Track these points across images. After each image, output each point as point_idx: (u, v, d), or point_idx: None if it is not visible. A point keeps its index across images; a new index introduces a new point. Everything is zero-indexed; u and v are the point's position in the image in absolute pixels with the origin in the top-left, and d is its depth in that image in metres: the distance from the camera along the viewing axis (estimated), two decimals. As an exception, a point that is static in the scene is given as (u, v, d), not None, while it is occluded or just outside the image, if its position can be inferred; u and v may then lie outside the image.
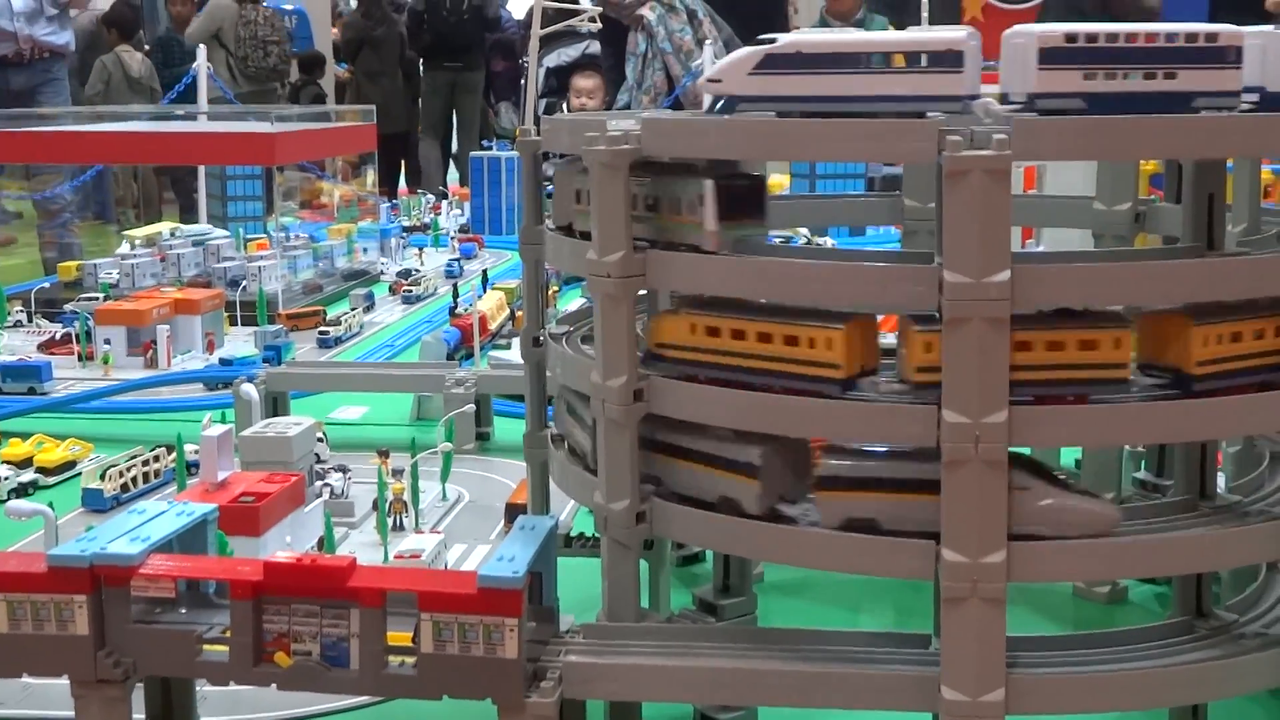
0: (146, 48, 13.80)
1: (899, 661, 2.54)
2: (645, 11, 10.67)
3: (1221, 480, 2.95)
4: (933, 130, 2.35)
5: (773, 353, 2.54)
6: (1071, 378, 2.43)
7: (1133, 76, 2.48)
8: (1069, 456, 4.43)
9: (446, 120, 14.73)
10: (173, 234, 8.53)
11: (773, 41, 2.57)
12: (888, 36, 2.61)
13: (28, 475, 4.63)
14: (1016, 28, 2.54)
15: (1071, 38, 2.47)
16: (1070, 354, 2.42)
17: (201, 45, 11.18)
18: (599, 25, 3.77)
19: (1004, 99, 2.54)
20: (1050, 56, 2.47)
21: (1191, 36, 2.49)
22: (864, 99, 2.53)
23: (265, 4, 13.51)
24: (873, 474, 2.52)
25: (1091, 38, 2.48)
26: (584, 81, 11.23)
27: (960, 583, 2.38)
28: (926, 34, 2.58)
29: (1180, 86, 2.49)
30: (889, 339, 2.74)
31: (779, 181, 9.36)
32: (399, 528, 4.06)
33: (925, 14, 6.14)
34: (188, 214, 10.72)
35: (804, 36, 2.61)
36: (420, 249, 9.50)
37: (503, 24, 15.36)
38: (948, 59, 2.49)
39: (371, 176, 9.75)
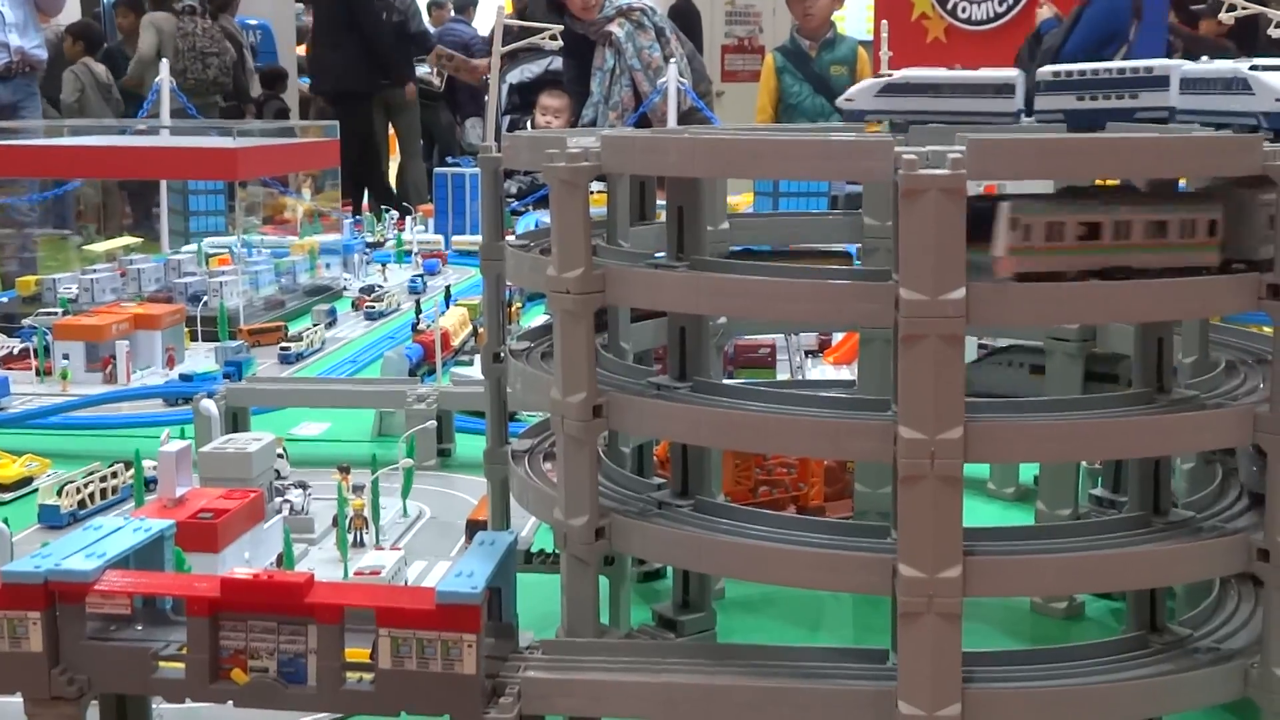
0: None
1: (856, 677, 2.55)
2: (614, 28, 10.69)
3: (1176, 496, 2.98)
4: (888, 149, 2.37)
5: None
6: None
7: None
8: (1027, 472, 4.47)
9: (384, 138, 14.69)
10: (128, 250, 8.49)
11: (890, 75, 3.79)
12: (965, 74, 3.79)
13: (-17, 491, 4.59)
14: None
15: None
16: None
17: (164, 60, 11.13)
18: (560, 43, 3.80)
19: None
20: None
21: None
22: (947, 114, 3.72)
23: (202, 15, 13.43)
24: None
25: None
26: (551, 101, 11.24)
27: (916, 598, 2.39)
28: (989, 72, 3.82)
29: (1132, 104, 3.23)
30: None
31: (743, 199, 9.41)
32: (359, 544, 4.04)
33: (885, 35, 6.22)
34: (145, 228, 10.66)
35: (911, 71, 3.81)
36: (383, 265, 9.48)
37: (467, 39, 15.36)
38: (1005, 89, 3.72)
39: (336, 192, 9.74)
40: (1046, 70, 3.74)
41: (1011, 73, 3.77)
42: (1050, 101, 3.69)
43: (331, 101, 13.93)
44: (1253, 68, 3.03)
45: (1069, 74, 3.65)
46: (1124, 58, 9.19)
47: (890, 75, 3.81)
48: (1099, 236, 2.44)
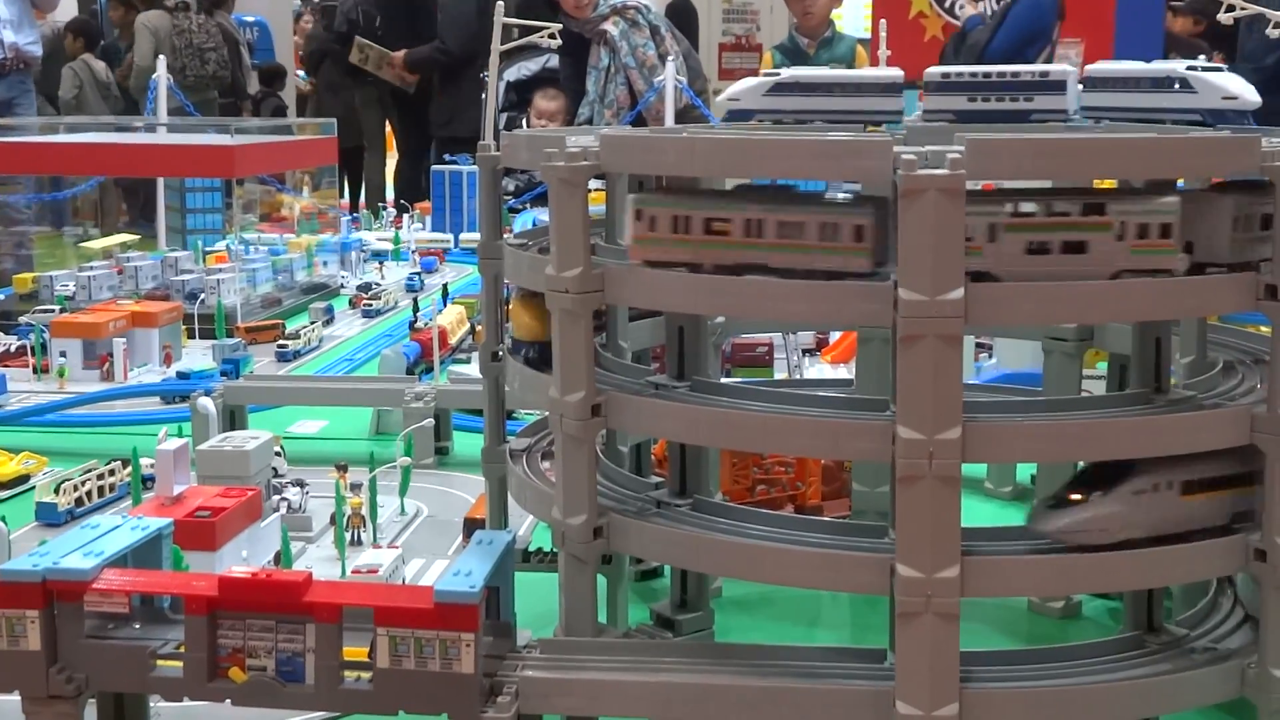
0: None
1: (854, 676, 2.56)
2: (608, 26, 10.67)
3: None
4: (887, 149, 2.37)
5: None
6: None
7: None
8: (1024, 471, 4.47)
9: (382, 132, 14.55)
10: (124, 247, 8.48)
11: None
12: (851, 73, 3.96)
13: (-19, 489, 4.59)
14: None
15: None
16: None
17: (161, 56, 11.12)
18: (559, 41, 3.79)
19: None
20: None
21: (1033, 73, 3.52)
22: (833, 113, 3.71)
23: (197, 10, 13.33)
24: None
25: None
26: (547, 104, 11.19)
27: (914, 597, 2.40)
28: (875, 71, 4.01)
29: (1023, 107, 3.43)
30: None
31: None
32: (357, 542, 4.04)
33: (883, 33, 6.23)
34: (141, 226, 10.65)
35: (798, 70, 3.80)
36: (380, 263, 9.47)
37: None
38: (891, 88, 3.71)
39: (333, 189, 9.73)
40: (935, 71, 3.72)
41: (896, 72, 3.79)
42: (939, 101, 3.67)
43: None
44: (1189, 68, 3.22)
45: (959, 75, 3.66)
46: (1047, 59, 9.20)
47: (778, 74, 3.77)
48: (727, 233, 2.56)
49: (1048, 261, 2.44)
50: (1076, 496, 2.55)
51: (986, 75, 3.63)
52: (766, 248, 2.53)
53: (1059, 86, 3.50)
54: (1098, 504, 2.53)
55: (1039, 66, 3.61)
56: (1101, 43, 10.49)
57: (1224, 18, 3.12)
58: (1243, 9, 3.07)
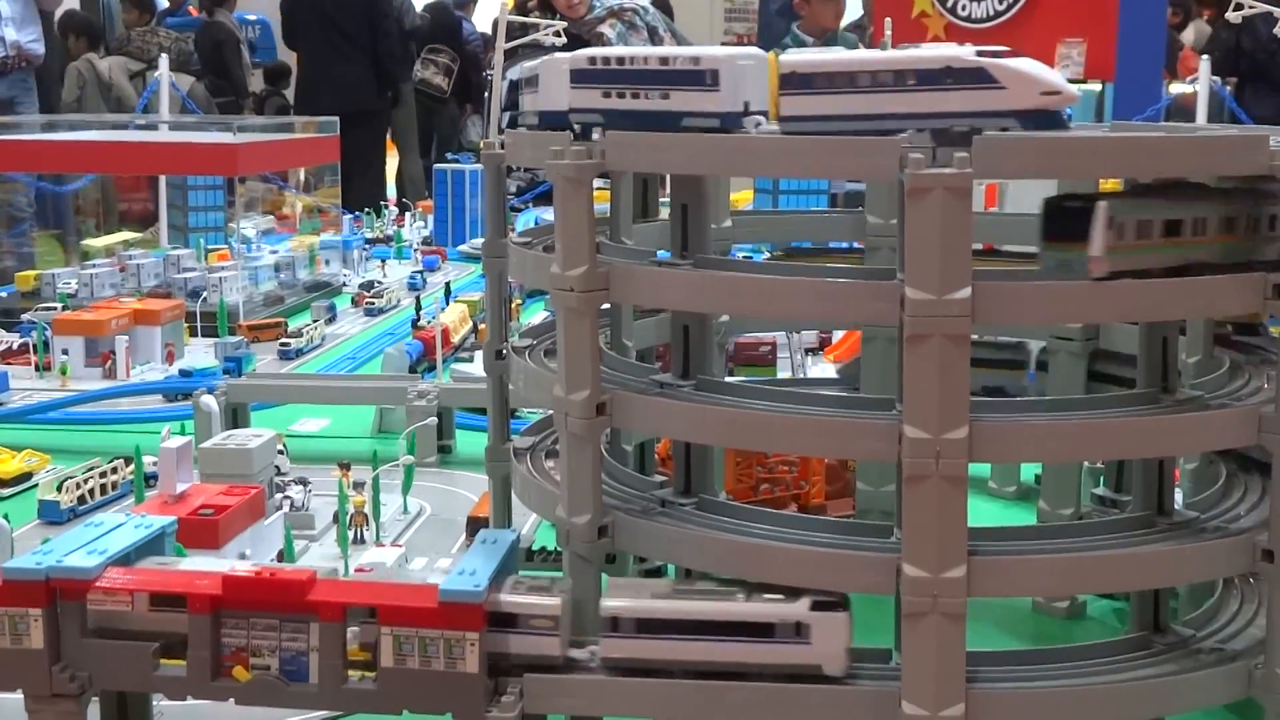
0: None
1: (859, 676, 2.55)
2: (605, 29, 10.67)
3: (1179, 496, 2.97)
4: (894, 148, 2.36)
5: None
6: None
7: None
8: (1028, 471, 4.47)
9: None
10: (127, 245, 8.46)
11: None
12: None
13: (-17, 487, 4.59)
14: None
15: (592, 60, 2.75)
16: None
17: (164, 54, 11.12)
18: (564, 39, 3.78)
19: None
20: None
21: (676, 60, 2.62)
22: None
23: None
24: None
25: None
26: None
27: (921, 598, 2.39)
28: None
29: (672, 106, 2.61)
30: None
31: (743, 196, 9.39)
32: (360, 541, 4.04)
33: (889, 33, 6.22)
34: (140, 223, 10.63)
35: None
36: (383, 261, 9.47)
37: (466, 35, 15.29)
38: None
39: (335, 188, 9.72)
40: (581, 54, 2.83)
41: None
42: (582, 98, 2.79)
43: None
44: (979, 54, 2.41)
45: (605, 61, 2.76)
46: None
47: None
48: (1179, 234, 2.45)
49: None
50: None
51: (632, 61, 2.73)
52: (1207, 245, 2.48)
53: (699, 79, 2.60)
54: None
55: (694, 50, 2.66)
56: (1104, 41, 10.48)
57: (1232, 16, 3.09)
58: (1250, 8, 3.06)
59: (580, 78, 2.77)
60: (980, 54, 2.38)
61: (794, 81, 2.54)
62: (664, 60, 2.63)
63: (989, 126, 2.37)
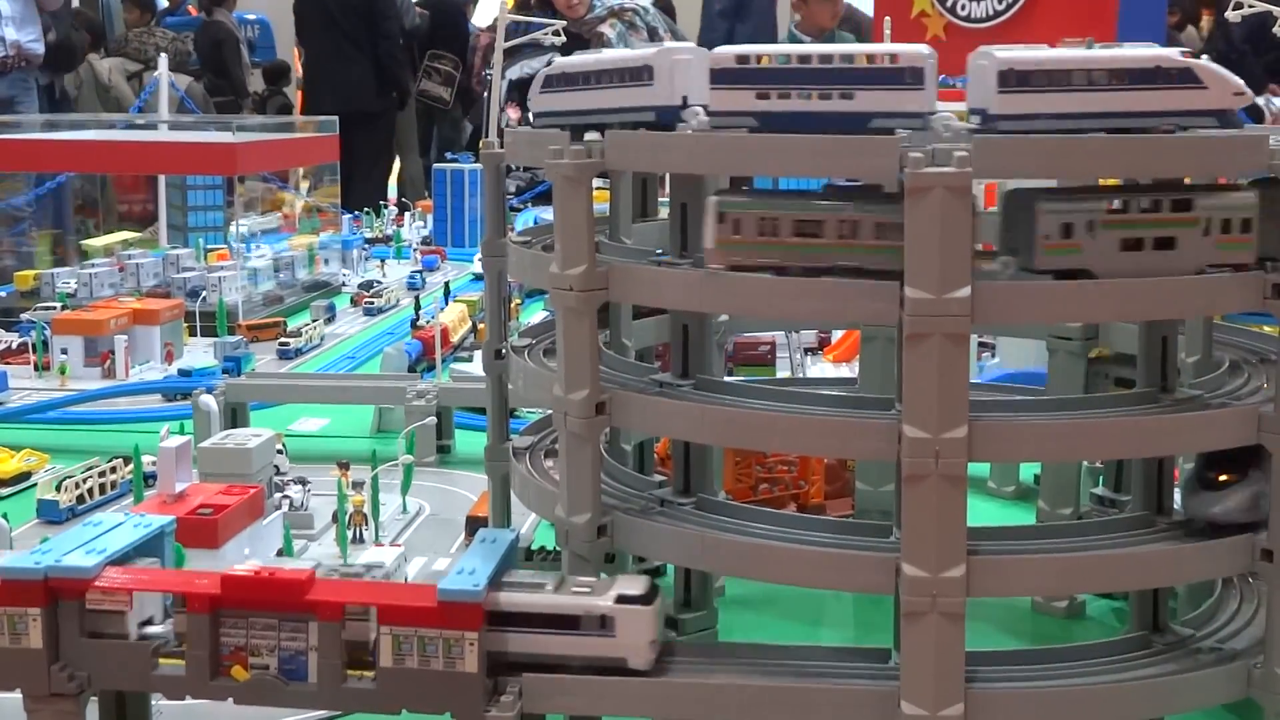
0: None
1: (858, 676, 2.55)
2: (605, 29, 10.67)
3: (1178, 496, 2.97)
4: (894, 147, 2.36)
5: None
6: None
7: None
8: (1027, 471, 4.46)
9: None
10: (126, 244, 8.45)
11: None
12: None
13: (-18, 486, 4.58)
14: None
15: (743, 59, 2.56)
16: None
17: (163, 53, 11.11)
18: (563, 39, 3.78)
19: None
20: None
21: (871, 58, 2.47)
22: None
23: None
24: None
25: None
26: None
27: (920, 597, 2.39)
28: None
29: (857, 107, 2.48)
30: None
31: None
32: (359, 540, 4.04)
33: (887, 32, 6.21)
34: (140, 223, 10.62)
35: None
36: (382, 261, 9.46)
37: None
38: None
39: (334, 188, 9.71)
40: (727, 52, 2.60)
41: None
42: (729, 99, 2.59)
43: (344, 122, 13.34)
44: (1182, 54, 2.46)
45: (756, 58, 2.57)
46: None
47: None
48: (820, 234, 2.48)
49: (1139, 258, 2.43)
50: (1226, 478, 2.54)
51: (801, 59, 2.54)
52: (863, 249, 2.47)
53: (915, 77, 2.47)
54: (1255, 481, 2.53)
55: (876, 47, 2.51)
56: (1103, 38, 10.45)
57: (1232, 15, 3.08)
58: (1250, 7, 3.05)
59: (727, 78, 2.56)
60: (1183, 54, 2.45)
61: (1011, 79, 2.44)
62: (847, 59, 2.49)
63: (1191, 125, 2.44)
